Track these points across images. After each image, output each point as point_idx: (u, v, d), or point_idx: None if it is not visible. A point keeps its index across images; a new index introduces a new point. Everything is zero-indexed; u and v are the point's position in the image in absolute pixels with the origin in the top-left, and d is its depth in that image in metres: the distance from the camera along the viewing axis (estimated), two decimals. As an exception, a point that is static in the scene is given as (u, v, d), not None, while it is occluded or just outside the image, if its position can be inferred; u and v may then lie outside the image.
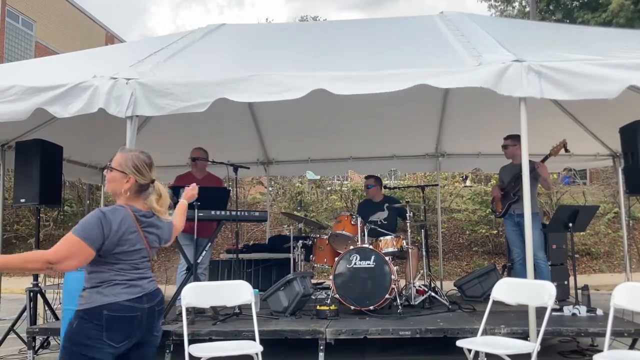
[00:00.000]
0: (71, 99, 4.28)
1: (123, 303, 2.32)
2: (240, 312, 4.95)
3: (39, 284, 5.24)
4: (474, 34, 5.26)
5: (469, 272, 9.33)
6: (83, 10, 24.17)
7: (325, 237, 6.18)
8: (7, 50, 20.07)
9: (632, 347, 4.30)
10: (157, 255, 12.75)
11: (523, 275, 4.90)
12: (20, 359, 4.90)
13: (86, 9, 24.40)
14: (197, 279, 5.02)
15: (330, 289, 5.32)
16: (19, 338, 5.06)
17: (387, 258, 5.28)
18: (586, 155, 7.83)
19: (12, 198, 6.09)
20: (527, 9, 20.18)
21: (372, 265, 5.18)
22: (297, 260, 6.34)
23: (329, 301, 5.05)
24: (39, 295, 5.23)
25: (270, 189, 13.03)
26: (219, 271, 7.25)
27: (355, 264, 5.22)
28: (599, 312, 4.93)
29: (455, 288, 6.40)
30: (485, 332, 3.89)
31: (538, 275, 5.05)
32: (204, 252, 5.27)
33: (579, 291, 5.26)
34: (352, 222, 5.80)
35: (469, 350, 3.46)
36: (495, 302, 3.74)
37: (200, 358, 3.32)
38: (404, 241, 5.73)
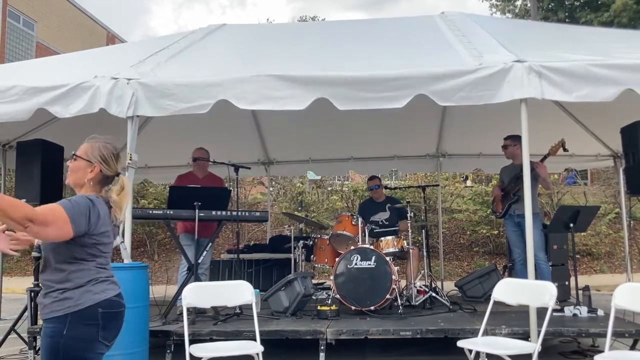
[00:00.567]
0: (72, 99, 4.29)
1: (113, 299, 2.23)
2: (241, 312, 4.95)
3: (40, 284, 5.24)
4: (475, 34, 5.26)
5: (470, 272, 9.32)
6: (84, 10, 24.17)
7: (326, 237, 6.18)
8: (8, 50, 20.08)
9: (633, 347, 4.30)
10: (158, 255, 12.76)
11: (524, 275, 4.90)
12: (21, 358, 4.90)
13: (87, 9, 24.40)
14: (198, 279, 5.02)
15: (331, 289, 5.32)
16: (20, 338, 5.06)
17: (387, 258, 5.28)
18: (587, 155, 7.83)
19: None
20: (528, 5, 20.14)
21: (373, 266, 5.18)
22: (297, 261, 6.35)
23: (329, 301, 5.05)
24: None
25: (271, 189, 13.04)
26: (219, 271, 7.25)
27: (356, 264, 5.22)
28: (600, 312, 4.92)
29: (456, 288, 6.40)
30: (486, 333, 3.89)
31: (538, 275, 5.05)
32: (205, 252, 5.27)
33: (580, 292, 5.25)
34: (353, 223, 5.80)
35: (470, 351, 3.45)
36: (496, 303, 3.74)
37: (201, 358, 3.32)
38: (404, 241, 5.74)
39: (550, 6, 20.08)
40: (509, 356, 3.31)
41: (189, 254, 5.25)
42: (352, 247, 5.38)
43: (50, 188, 5.35)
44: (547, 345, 4.67)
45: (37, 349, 4.86)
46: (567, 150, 5.46)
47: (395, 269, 5.29)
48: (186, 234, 5.60)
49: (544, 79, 4.06)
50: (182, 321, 3.62)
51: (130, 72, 4.44)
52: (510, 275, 6.16)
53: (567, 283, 6.38)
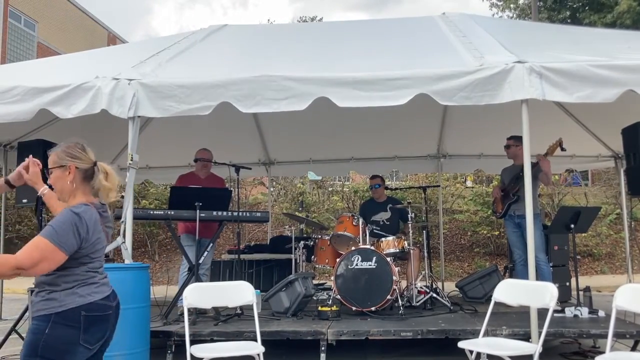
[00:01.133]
0: (74, 100, 4.29)
1: (99, 302, 2.25)
2: (242, 313, 4.95)
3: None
4: (475, 35, 5.26)
5: (471, 273, 9.32)
6: (85, 10, 24.19)
7: (327, 237, 6.18)
8: (9, 50, 20.10)
9: (634, 348, 4.29)
10: (159, 255, 12.77)
11: (524, 276, 4.89)
12: (22, 359, 4.90)
13: (88, 10, 24.43)
14: (198, 280, 5.03)
15: (332, 290, 5.32)
16: (21, 338, 5.06)
17: (388, 259, 5.28)
18: (588, 156, 7.84)
19: (14, 198, 6.10)
20: (530, 2, 20.12)
21: (374, 266, 5.18)
22: (298, 261, 6.35)
23: (330, 302, 5.05)
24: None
25: (271, 189, 13.04)
26: (220, 272, 7.26)
27: (356, 264, 5.22)
28: (601, 313, 4.92)
29: (457, 289, 6.39)
30: (486, 334, 3.89)
31: (539, 276, 5.04)
32: (206, 253, 5.28)
33: (581, 292, 5.25)
34: (354, 223, 5.81)
35: (471, 352, 3.45)
36: (496, 303, 3.73)
37: (202, 358, 3.32)
38: (405, 242, 5.73)
39: (553, 5, 20.05)
40: (510, 357, 3.30)
41: (190, 254, 5.25)
42: (353, 248, 5.38)
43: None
44: (548, 346, 4.66)
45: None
46: (565, 150, 5.46)
47: (396, 269, 5.29)
48: (187, 234, 5.60)
49: (545, 79, 4.06)
50: (183, 321, 3.62)
51: (132, 73, 4.45)
52: (511, 276, 6.15)
53: (568, 284, 6.38)
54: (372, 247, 5.37)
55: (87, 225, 2.20)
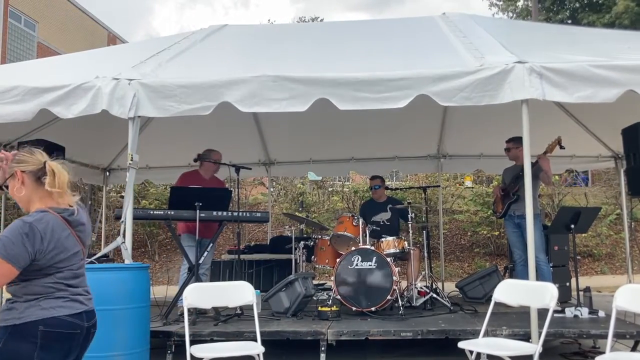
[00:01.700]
0: (74, 100, 4.29)
1: (63, 318, 2.04)
2: (242, 313, 4.95)
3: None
4: (476, 35, 5.26)
5: (471, 273, 9.32)
6: (85, 11, 24.19)
7: (327, 238, 6.18)
8: (10, 50, 20.10)
9: (634, 349, 4.29)
10: (159, 255, 12.76)
11: (524, 276, 4.89)
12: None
13: (89, 10, 24.44)
14: (198, 280, 5.03)
15: (332, 290, 5.32)
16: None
17: (388, 259, 5.28)
18: (588, 156, 7.83)
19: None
20: (530, 5, 20.14)
21: (374, 267, 5.18)
22: (298, 261, 6.35)
23: (330, 302, 5.04)
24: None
25: (271, 189, 13.03)
26: (220, 272, 7.26)
27: (356, 265, 5.21)
28: (601, 313, 4.92)
29: (457, 289, 6.39)
30: (487, 334, 3.89)
31: (539, 276, 5.04)
32: (206, 253, 5.28)
33: (581, 293, 5.25)
34: (354, 223, 5.81)
35: (471, 352, 3.45)
36: (497, 304, 3.73)
37: (202, 359, 3.32)
38: (405, 242, 5.73)
39: (552, 7, 20.07)
40: (510, 357, 3.30)
41: (190, 254, 5.25)
42: (353, 248, 5.39)
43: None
44: (548, 346, 4.66)
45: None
46: (564, 148, 5.46)
47: (396, 269, 5.29)
48: (187, 234, 5.59)
49: (545, 79, 4.06)
50: (183, 322, 3.62)
51: (132, 73, 4.45)
52: (511, 276, 6.15)
53: (568, 284, 6.39)
54: (372, 248, 5.37)
55: (41, 235, 2.00)
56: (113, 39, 25.46)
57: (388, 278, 5.12)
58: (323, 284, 7.07)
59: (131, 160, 4.24)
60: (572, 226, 5.41)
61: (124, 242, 4.16)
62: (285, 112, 4.35)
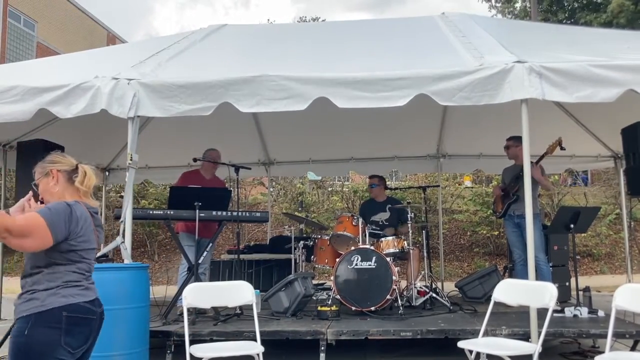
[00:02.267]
0: (73, 100, 4.29)
1: (82, 304, 2.21)
2: (242, 313, 4.95)
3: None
4: (475, 34, 5.26)
5: (470, 273, 9.32)
6: (85, 10, 24.19)
7: (327, 237, 6.18)
8: (9, 50, 20.09)
9: (633, 348, 4.29)
10: (158, 255, 12.76)
11: (524, 276, 4.89)
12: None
13: (88, 10, 24.43)
14: (198, 280, 5.02)
15: (332, 290, 5.32)
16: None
17: (388, 259, 5.27)
18: (587, 156, 7.83)
19: (13, 198, 6.10)
20: (528, 5, 20.14)
21: (373, 266, 5.17)
22: (298, 261, 6.34)
23: (330, 302, 5.04)
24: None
25: (271, 189, 13.04)
26: (220, 272, 7.25)
27: (356, 264, 5.21)
28: (601, 313, 4.92)
29: (457, 289, 6.39)
30: (486, 333, 3.89)
31: (539, 276, 5.05)
32: (205, 253, 5.27)
33: (581, 292, 5.25)
34: (354, 223, 5.80)
35: (470, 352, 3.45)
36: (496, 303, 3.74)
37: (202, 358, 3.32)
38: (405, 242, 5.73)
39: (550, 7, 20.09)
40: (510, 357, 3.30)
41: (190, 254, 5.25)
42: (353, 248, 5.38)
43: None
44: (547, 346, 4.66)
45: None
46: (564, 149, 5.46)
47: (396, 269, 5.28)
48: (187, 234, 5.59)
49: (545, 79, 4.06)
50: (183, 321, 3.62)
51: (131, 73, 4.44)
52: (510, 276, 6.16)
53: (567, 284, 6.39)
54: (372, 247, 5.37)
55: (77, 218, 2.21)
56: (112, 39, 25.45)
57: (387, 278, 5.12)
58: (322, 284, 7.07)
59: (130, 160, 4.24)
60: (572, 226, 5.41)
61: (123, 242, 4.15)
62: (285, 112, 4.35)
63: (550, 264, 5.86)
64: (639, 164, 5.11)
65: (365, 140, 7.95)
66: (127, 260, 4.18)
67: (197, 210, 4.96)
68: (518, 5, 22.15)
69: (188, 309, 3.63)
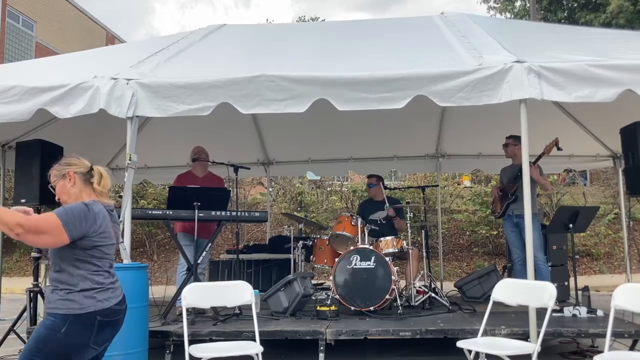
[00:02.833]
0: (72, 100, 4.29)
1: (114, 308, 2.37)
2: (241, 313, 4.95)
3: (39, 285, 5.25)
4: (474, 34, 5.26)
5: (469, 272, 9.33)
6: (83, 10, 24.17)
7: (326, 237, 6.18)
8: (8, 50, 20.07)
9: (632, 348, 4.30)
10: (157, 255, 12.75)
11: (523, 276, 4.90)
12: (21, 359, 4.89)
13: (87, 10, 24.42)
14: (197, 279, 5.02)
15: (331, 290, 5.32)
16: (19, 338, 5.05)
17: (387, 259, 5.28)
18: (586, 156, 7.84)
19: (12, 198, 6.09)
20: (528, 5, 20.14)
21: (373, 266, 5.18)
22: (297, 261, 6.34)
23: (329, 302, 5.04)
24: (39, 296, 5.23)
25: (270, 189, 13.03)
26: (219, 271, 7.25)
27: (355, 264, 5.21)
28: (600, 313, 4.93)
29: (456, 289, 6.40)
30: (485, 333, 3.89)
31: (538, 276, 5.05)
32: (204, 253, 5.27)
33: (580, 292, 5.26)
34: (353, 223, 5.80)
35: (470, 351, 3.45)
36: (495, 303, 3.74)
37: (201, 358, 3.32)
38: (404, 242, 5.73)
39: (549, 6, 20.08)
40: (509, 356, 3.31)
41: (189, 254, 5.25)
42: (352, 248, 5.38)
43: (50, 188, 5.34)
44: (546, 345, 4.67)
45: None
46: (561, 149, 5.46)
47: (395, 269, 5.29)
48: (186, 234, 5.58)
49: (544, 79, 4.06)
50: (182, 321, 3.61)
51: (130, 73, 4.44)
52: (509, 276, 6.16)
53: (566, 283, 6.39)
54: (371, 247, 5.37)
55: (95, 216, 2.32)
56: (111, 39, 25.44)
57: (387, 278, 5.12)
58: (322, 284, 7.07)
59: (129, 160, 4.24)
60: (571, 225, 5.42)
61: (122, 242, 4.15)
62: (284, 112, 4.35)
63: (549, 264, 5.87)
64: (638, 163, 5.11)
65: (365, 140, 7.95)
66: (126, 261, 4.18)
67: (196, 210, 4.95)
68: (518, 3, 22.13)
69: (187, 309, 3.63)
